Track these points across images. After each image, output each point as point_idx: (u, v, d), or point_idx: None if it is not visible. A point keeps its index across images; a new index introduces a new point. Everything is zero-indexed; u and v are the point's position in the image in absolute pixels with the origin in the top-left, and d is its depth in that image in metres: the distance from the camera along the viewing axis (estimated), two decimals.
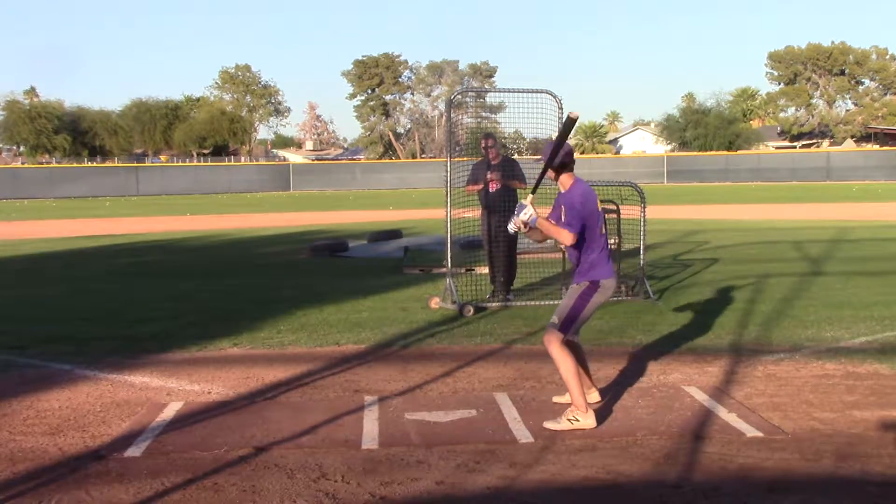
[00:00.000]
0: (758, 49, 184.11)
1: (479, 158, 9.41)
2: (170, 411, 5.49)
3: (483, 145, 9.23)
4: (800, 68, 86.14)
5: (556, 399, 5.55)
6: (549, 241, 5.67)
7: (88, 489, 4.19)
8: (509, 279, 9.48)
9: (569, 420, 5.00)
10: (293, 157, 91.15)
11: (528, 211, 5.03)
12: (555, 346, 5.08)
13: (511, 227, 5.16)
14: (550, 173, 5.16)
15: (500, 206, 9.01)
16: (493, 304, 9.12)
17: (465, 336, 7.75)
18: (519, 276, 9.72)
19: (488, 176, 9.15)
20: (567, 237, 5.04)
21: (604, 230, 5.27)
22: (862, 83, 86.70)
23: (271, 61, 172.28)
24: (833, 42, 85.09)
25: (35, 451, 4.79)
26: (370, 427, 5.09)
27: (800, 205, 29.47)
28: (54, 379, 6.38)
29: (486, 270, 10.02)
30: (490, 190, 9.19)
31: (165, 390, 6.04)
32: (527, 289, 9.94)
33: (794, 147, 79.34)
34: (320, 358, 6.92)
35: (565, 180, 5.19)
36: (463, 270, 9.97)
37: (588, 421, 4.98)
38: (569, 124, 5.07)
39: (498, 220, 9.05)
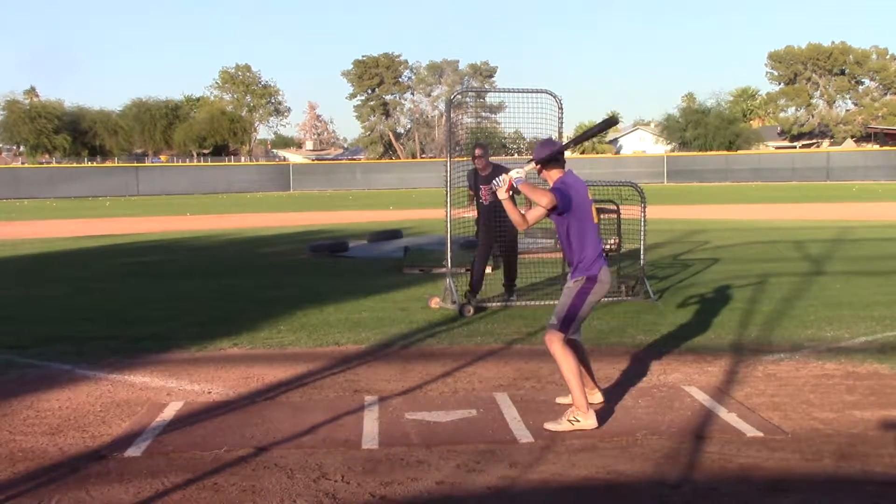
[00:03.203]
0: (758, 49, 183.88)
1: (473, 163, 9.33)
2: (170, 411, 5.49)
3: (476, 155, 9.07)
4: (800, 68, 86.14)
5: (559, 400, 5.53)
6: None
7: (88, 489, 4.19)
8: (511, 279, 9.49)
9: (569, 421, 4.98)
10: (293, 157, 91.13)
11: (519, 171, 5.11)
12: (556, 345, 5.06)
13: (494, 184, 5.24)
14: (536, 167, 5.18)
15: (492, 216, 8.98)
16: (494, 304, 9.12)
17: (465, 336, 7.75)
18: (519, 275, 9.73)
19: (481, 190, 9.11)
20: (547, 199, 4.95)
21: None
22: (862, 83, 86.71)
23: (271, 61, 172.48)
24: (833, 42, 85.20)
25: (35, 451, 4.79)
26: (370, 427, 5.09)
27: (800, 205, 29.46)
28: (54, 379, 6.38)
29: (489, 270, 10.02)
30: (483, 202, 9.15)
31: (165, 390, 6.04)
32: (527, 289, 9.94)
33: (794, 147, 79.30)
34: (320, 358, 6.92)
35: (554, 175, 5.18)
36: (463, 270, 9.97)
37: (589, 421, 4.96)
38: (608, 123, 5.35)
39: (490, 229, 9.04)
